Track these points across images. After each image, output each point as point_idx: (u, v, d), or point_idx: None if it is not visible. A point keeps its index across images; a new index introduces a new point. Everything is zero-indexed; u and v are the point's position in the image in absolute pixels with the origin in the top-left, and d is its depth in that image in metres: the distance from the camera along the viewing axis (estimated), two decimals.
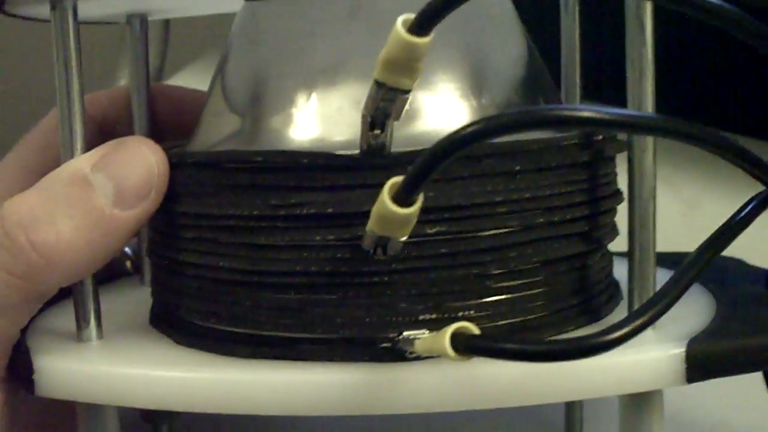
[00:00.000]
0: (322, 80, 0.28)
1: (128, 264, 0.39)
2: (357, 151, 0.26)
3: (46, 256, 0.28)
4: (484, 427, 0.39)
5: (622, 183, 0.30)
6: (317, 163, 0.26)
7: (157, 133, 0.37)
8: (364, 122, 0.25)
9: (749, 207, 0.27)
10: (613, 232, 0.30)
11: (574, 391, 0.27)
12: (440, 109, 0.28)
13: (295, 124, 0.28)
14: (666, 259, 0.30)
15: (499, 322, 0.27)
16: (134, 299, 0.35)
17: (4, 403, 0.30)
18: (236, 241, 0.27)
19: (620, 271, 0.31)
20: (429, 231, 0.26)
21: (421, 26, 0.22)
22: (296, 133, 0.28)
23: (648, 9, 0.27)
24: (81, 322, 0.30)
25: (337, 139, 0.28)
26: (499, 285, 0.27)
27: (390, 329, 0.27)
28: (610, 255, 0.31)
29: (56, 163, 0.29)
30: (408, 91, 0.24)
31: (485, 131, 0.22)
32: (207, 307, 0.29)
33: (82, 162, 0.28)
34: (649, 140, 0.27)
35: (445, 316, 0.27)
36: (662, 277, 0.28)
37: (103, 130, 0.36)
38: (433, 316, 0.27)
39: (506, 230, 0.27)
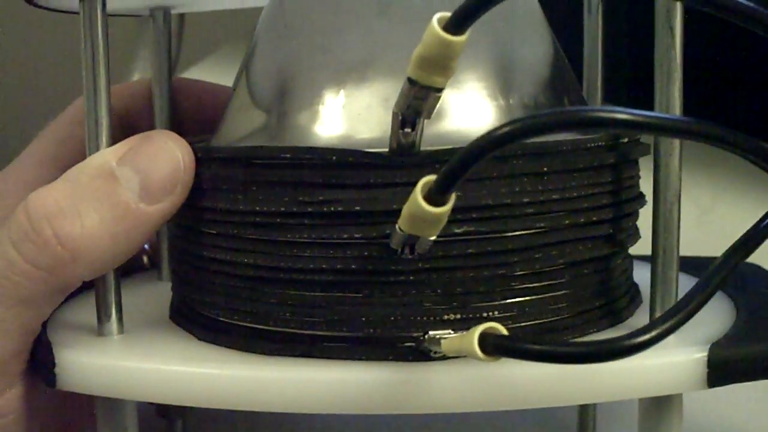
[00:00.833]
0: (351, 77, 0.28)
1: (145, 259, 0.39)
2: (385, 149, 0.26)
3: (71, 250, 0.28)
4: (496, 426, 0.39)
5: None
6: (346, 161, 0.26)
7: (177, 127, 0.37)
8: (395, 120, 0.25)
9: None
10: (636, 235, 0.30)
11: (596, 393, 0.27)
12: (468, 108, 0.28)
13: (322, 121, 0.28)
14: (683, 263, 0.30)
15: (523, 324, 0.27)
16: (153, 294, 0.35)
17: (23, 396, 0.30)
18: (262, 238, 0.27)
19: (640, 274, 0.31)
20: (456, 231, 0.26)
21: (457, 25, 0.22)
22: (323, 129, 0.28)
23: (678, 11, 0.27)
24: (102, 316, 0.30)
25: (365, 137, 0.27)
26: (524, 286, 0.27)
27: (414, 329, 0.27)
28: (631, 258, 0.31)
29: (76, 155, 0.29)
30: (441, 90, 0.24)
31: (521, 131, 0.22)
32: (230, 303, 0.29)
33: (108, 155, 0.28)
34: (676, 144, 0.27)
35: (470, 316, 0.27)
36: (681, 280, 0.28)
37: (123, 124, 0.36)
38: (458, 316, 0.27)
39: (533, 231, 0.27)
